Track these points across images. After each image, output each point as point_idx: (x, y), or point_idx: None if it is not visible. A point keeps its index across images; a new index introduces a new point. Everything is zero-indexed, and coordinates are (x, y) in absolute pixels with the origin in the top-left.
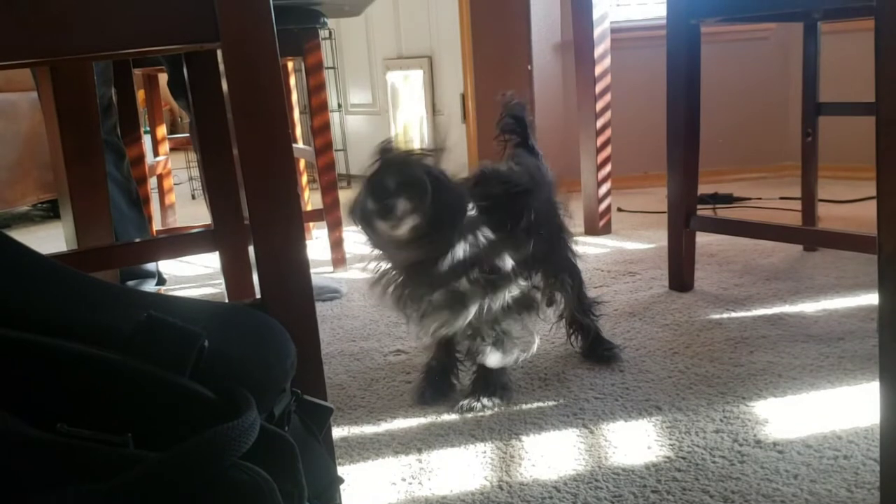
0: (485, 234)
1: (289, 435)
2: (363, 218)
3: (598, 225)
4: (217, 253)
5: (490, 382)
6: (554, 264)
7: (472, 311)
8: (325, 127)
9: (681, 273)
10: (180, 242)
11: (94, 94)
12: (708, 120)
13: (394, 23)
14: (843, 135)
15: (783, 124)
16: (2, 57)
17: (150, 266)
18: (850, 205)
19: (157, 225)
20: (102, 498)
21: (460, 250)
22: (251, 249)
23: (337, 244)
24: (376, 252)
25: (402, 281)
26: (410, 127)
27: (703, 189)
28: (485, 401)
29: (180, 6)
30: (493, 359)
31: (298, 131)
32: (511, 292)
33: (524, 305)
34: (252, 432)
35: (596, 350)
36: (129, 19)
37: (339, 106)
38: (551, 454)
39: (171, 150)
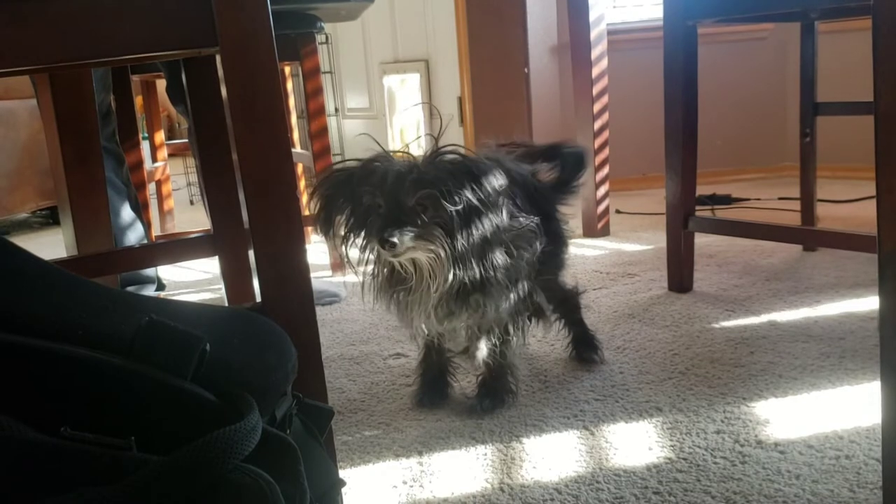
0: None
1: (290, 438)
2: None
3: (596, 227)
4: (216, 258)
5: (496, 386)
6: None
7: (492, 308)
8: (323, 131)
9: (680, 274)
10: (180, 247)
11: (92, 101)
12: (706, 121)
13: (390, 27)
14: (842, 134)
15: (781, 124)
16: (1, 64)
17: (150, 271)
18: (848, 204)
19: (156, 230)
20: (107, 501)
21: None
22: (251, 254)
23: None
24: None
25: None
26: (407, 131)
27: (702, 190)
28: (489, 405)
29: (179, 12)
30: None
31: (296, 136)
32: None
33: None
34: (254, 435)
35: (577, 350)
36: (127, 25)
37: (336, 110)
38: (552, 456)
39: (170, 155)
